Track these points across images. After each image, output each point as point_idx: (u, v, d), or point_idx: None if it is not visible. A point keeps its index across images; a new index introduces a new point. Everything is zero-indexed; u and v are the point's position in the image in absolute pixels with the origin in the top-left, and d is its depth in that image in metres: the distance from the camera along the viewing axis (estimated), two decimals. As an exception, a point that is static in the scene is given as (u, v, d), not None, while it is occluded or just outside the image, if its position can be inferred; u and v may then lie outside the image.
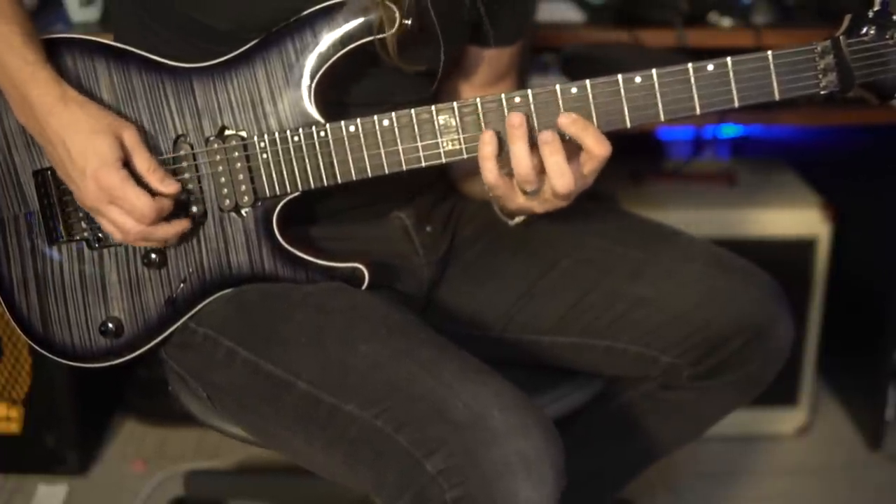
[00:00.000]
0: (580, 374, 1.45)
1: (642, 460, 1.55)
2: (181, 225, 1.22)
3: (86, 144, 1.16)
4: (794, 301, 1.44)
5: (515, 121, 1.15)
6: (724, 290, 1.37)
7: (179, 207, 1.22)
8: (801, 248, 2.13)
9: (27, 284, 1.29)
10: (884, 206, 2.18)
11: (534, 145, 1.16)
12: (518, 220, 1.37)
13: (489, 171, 1.17)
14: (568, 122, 1.15)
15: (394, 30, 1.19)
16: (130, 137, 1.19)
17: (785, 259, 2.07)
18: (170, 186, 1.19)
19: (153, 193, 1.18)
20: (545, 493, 1.03)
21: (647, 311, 1.38)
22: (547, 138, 1.14)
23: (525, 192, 1.19)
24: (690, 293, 1.37)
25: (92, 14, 1.93)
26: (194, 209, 1.24)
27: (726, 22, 1.97)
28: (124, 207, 1.17)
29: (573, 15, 2.02)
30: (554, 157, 1.15)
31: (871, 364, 2.22)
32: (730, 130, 2.43)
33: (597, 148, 1.15)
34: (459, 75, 1.40)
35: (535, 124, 1.17)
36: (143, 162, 1.18)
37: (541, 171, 1.16)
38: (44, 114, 1.18)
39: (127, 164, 1.18)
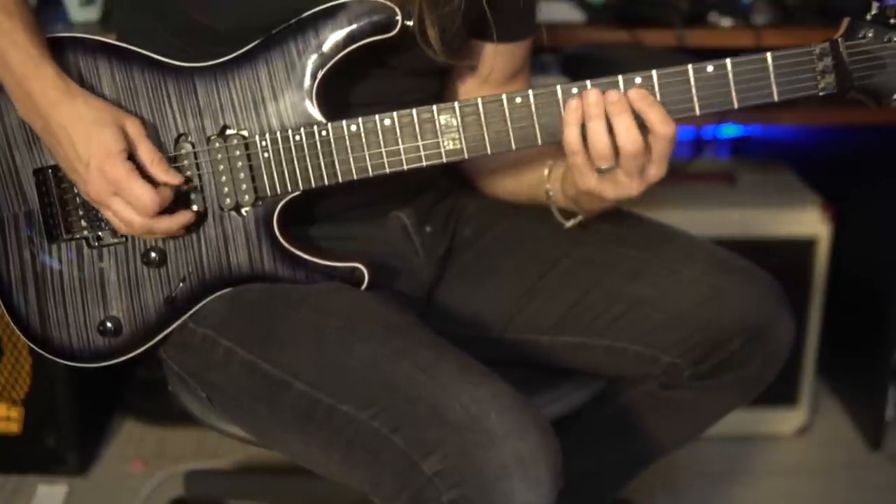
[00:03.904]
0: (580, 374, 1.44)
1: (642, 460, 1.55)
2: (184, 217, 1.22)
3: (90, 136, 1.16)
4: (794, 301, 1.43)
5: (592, 98, 1.15)
6: (725, 289, 1.37)
7: (181, 204, 1.22)
8: (801, 248, 2.13)
9: (26, 283, 1.28)
10: (884, 206, 2.18)
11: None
12: (574, 221, 1.36)
13: (573, 135, 1.17)
14: (637, 97, 1.15)
15: (395, 31, 1.19)
16: (134, 128, 1.19)
17: (785, 259, 2.07)
18: (173, 178, 1.19)
19: (156, 185, 1.18)
20: (542, 494, 1.03)
21: (647, 310, 1.38)
22: (613, 98, 1.15)
23: (600, 171, 1.19)
24: (691, 293, 1.37)
25: (92, 14, 1.93)
26: (195, 207, 1.24)
27: (726, 22, 1.97)
28: (129, 200, 1.17)
29: (573, 15, 2.02)
30: (621, 116, 1.15)
31: (871, 364, 2.22)
32: (730, 130, 2.43)
33: (661, 126, 1.15)
34: (471, 74, 1.40)
35: (536, 124, 1.18)
36: (146, 153, 1.18)
37: (616, 150, 1.16)
38: (47, 107, 1.18)
39: (131, 155, 1.18)
